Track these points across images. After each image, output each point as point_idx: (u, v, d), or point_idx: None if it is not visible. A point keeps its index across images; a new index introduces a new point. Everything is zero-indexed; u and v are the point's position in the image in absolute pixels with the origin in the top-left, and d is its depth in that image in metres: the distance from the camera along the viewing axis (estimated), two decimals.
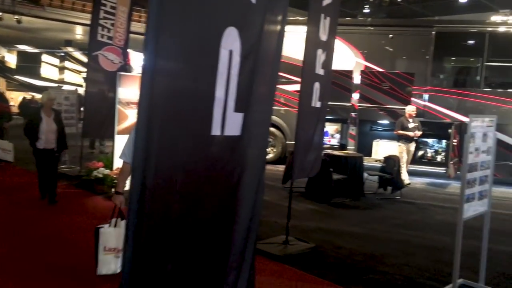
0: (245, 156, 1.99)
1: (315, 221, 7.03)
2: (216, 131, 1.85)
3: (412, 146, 10.39)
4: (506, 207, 8.80)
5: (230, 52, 1.84)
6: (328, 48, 6.19)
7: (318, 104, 6.18)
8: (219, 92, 1.82)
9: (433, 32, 11.33)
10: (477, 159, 4.52)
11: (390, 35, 11.77)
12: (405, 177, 10.05)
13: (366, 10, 30.74)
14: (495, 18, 22.90)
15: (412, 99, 11.19)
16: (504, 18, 24.04)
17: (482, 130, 4.59)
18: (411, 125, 10.12)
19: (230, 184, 1.94)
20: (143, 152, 1.53)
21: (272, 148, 12.52)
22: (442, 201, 8.97)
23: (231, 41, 1.83)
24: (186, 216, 1.74)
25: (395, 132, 10.39)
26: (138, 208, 1.57)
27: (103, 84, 9.36)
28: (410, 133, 10.09)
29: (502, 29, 11.37)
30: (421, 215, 7.90)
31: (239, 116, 1.94)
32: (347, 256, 5.47)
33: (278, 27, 2.13)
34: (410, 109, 10.31)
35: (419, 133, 10.20)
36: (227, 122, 1.88)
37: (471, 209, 4.53)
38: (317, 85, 6.05)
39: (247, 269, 2.05)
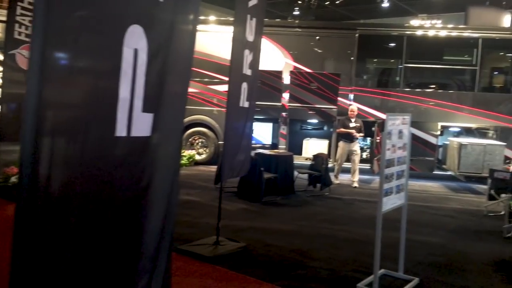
0: (156, 157, 1.94)
1: (246, 220, 7.08)
2: (121, 132, 1.78)
3: (354, 145, 10.49)
4: (425, 199, 9.40)
5: (135, 51, 1.79)
6: (255, 49, 6.27)
7: (246, 104, 6.23)
8: (124, 92, 1.76)
9: (356, 35, 11.86)
10: (394, 155, 4.78)
11: (317, 37, 12.15)
12: (335, 177, 10.40)
13: (296, 12, 31.55)
14: (414, 22, 24.44)
15: (339, 98, 11.62)
16: (422, 22, 25.72)
17: (398, 128, 4.86)
18: (352, 125, 10.43)
19: (138, 187, 1.88)
20: (32, 157, 1.43)
21: (204, 148, 12.45)
22: (367, 196, 9.39)
23: (135, 40, 1.77)
24: (86, 224, 1.65)
25: (337, 131, 10.71)
26: (28, 218, 1.48)
27: (22, 85, 8.79)
28: (352, 131, 10.33)
29: (419, 32, 12.14)
30: (347, 210, 8.23)
31: (148, 117, 1.89)
32: (276, 254, 5.55)
33: (190, 26, 2.10)
34: (350, 108, 10.64)
35: (358, 134, 10.36)
36: (134, 122, 1.82)
37: (389, 203, 4.79)
38: (244, 85, 6.10)
39: (161, 274, 2.00)
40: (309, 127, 12.75)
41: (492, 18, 13.18)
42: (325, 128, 12.60)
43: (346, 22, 12.17)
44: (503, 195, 7.72)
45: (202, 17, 13.31)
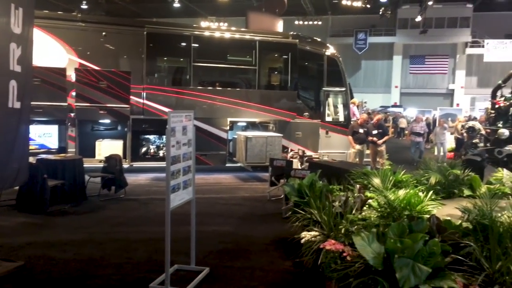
0: None
1: (27, 235, 6.28)
2: None
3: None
4: (217, 191, 9.97)
5: None
6: (25, 42, 5.59)
7: (17, 105, 5.52)
8: None
9: (145, 32, 11.75)
10: (179, 151, 4.88)
11: (104, 33, 11.58)
12: None
13: (85, 7, 29.66)
14: (204, 23, 25.72)
15: (131, 97, 11.34)
16: (210, 24, 27.26)
17: (181, 125, 4.97)
18: None
19: None
20: None
21: None
22: (164, 194, 9.38)
23: None
24: None
25: None
26: None
27: None
28: None
29: (206, 33, 12.75)
30: (143, 210, 8.10)
31: None
32: (62, 268, 5.08)
33: None
34: None
35: None
36: None
37: (177, 198, 4.88)
38: (13, 83, 5.40)
39: None
40: (102, 127, 12.11)
41: (267, 23, 14.75)
42: (119, 128, 12.16)
43: (133, 19, 11.88)
44: (281, 181, 8.72)
45: None
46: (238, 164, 12.55)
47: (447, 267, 3.74)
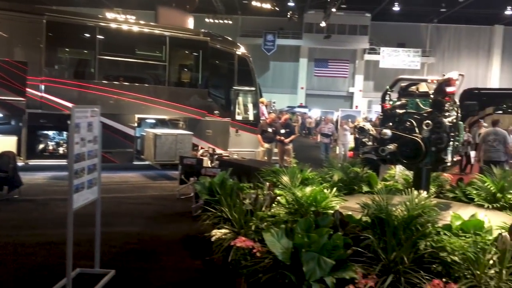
0: None
1: None
2: None
3: None
4: (124, 190, 9.59)
5: None
6: None
7: None
8: None
9: (44, 21, 10.89)
10: (84, 149, 4.60)
11: None
12: None
13: None
14: (109, 15, 24.51)
15: (28, 89, 10.46)
16: (116, 15, 26.09)
17: (86, 121, 4.69)
18: None
19: None
20: None
21: None
22: (65, 194, 8.76)
23: None
24: None
25: None
26: None
27: None
28: None
29: (112, 25, 12.16)
30: (41, 211, 7.52)
31: None
32: None
33: None
34: None
35: None
36: None
37: (81, 198, 4.60)
38: None
39: None
40: None
41: (178, 19, 14.52)
42: (13, 122, 11.16)
43: (30, 6, 10.92)
44: (191, 179, 8.64)
45: None
46: (147, 162, 12.18)
47: (349, 259, 3.98)
